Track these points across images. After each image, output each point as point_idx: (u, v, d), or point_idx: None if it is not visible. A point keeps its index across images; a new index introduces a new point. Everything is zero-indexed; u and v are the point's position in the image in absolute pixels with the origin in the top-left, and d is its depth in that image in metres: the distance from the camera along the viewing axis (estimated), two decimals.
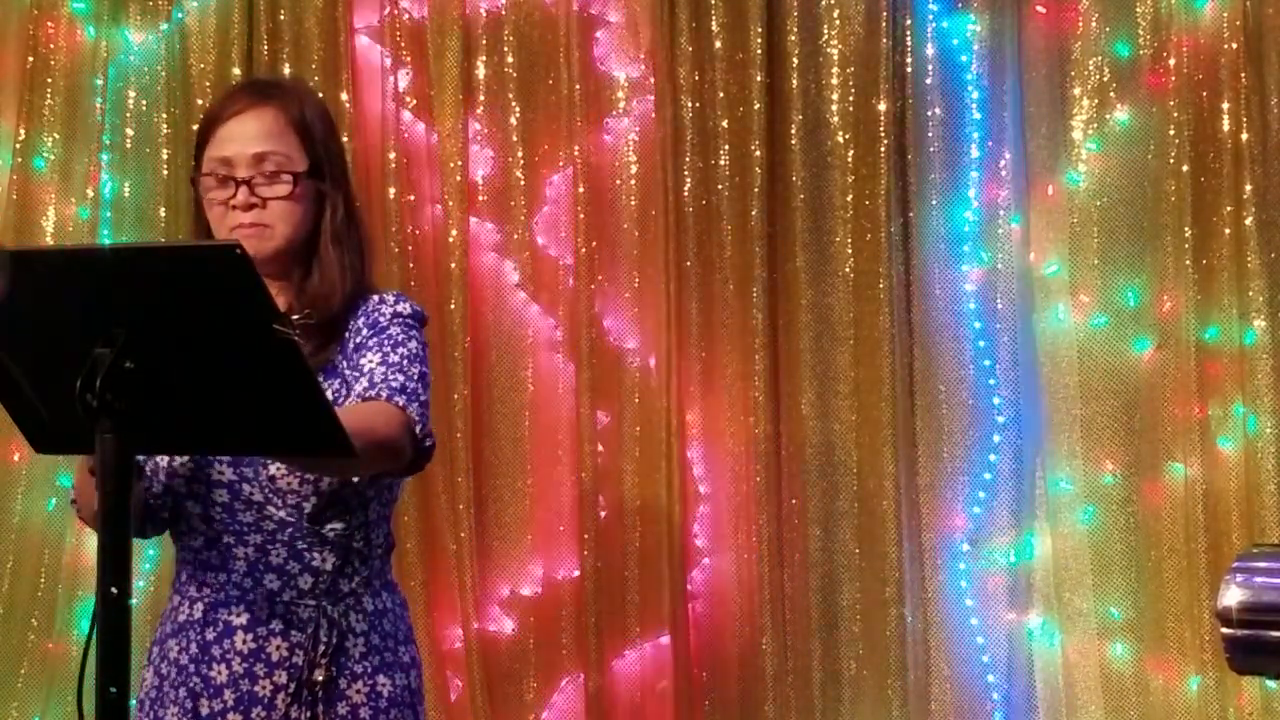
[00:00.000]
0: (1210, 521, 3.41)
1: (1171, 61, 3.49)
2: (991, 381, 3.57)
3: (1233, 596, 1.79)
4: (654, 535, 3.62)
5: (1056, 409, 3.55)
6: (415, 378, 2.27)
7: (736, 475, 3.63)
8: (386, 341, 2.29)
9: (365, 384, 2.24)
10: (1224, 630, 1.80)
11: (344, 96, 3.68)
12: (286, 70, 3.71)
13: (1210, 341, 3.46)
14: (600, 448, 3.66)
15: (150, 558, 3.68)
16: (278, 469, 2.25)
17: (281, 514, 2.27)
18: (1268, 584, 1.80)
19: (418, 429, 2.23)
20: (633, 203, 3.68)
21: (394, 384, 2.23)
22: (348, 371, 2.31)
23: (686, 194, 3.63)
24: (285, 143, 2.33)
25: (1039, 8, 3.57)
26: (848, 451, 3.60)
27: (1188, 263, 3.45)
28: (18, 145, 3.82)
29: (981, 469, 3.57)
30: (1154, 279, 3.51)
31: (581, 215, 3.65)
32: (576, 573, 3.64)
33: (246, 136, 2.31)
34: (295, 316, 2.37)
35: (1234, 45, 3.45)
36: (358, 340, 2.32)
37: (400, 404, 2.21)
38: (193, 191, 2.38)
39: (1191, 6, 3.49)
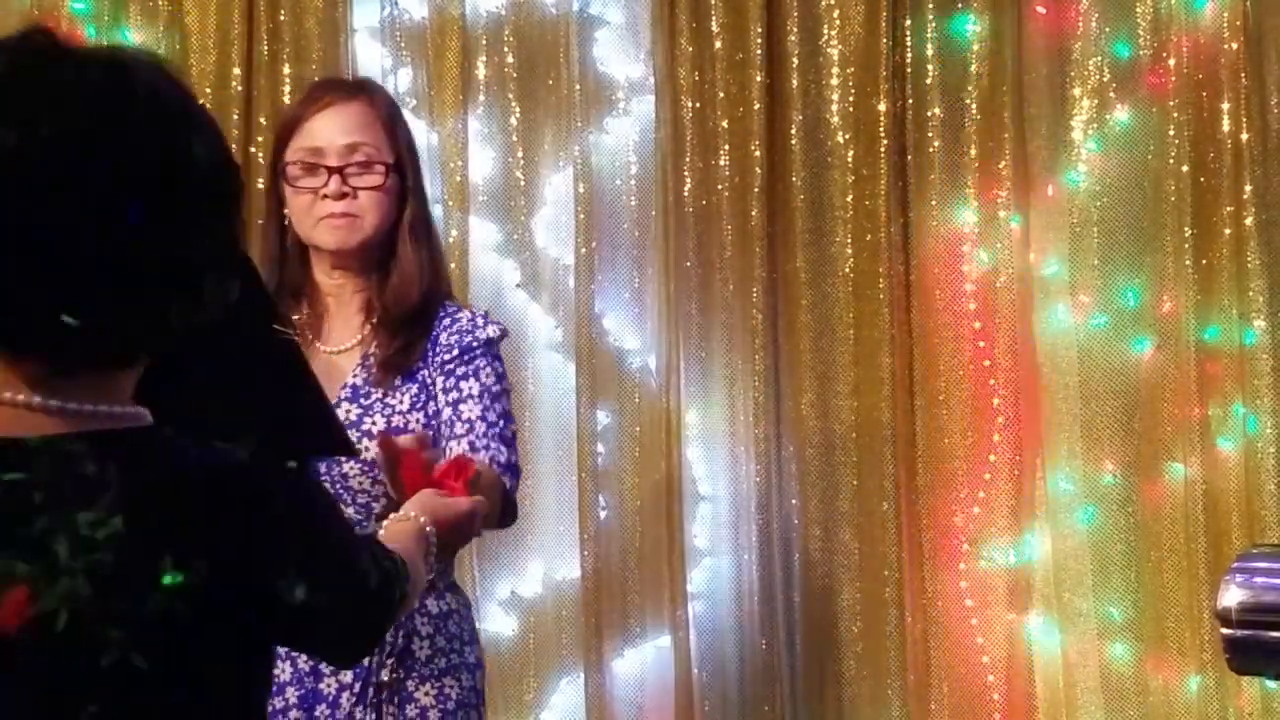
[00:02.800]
0: (1210, 522, 3.41)
1: (1171, 62, 3.49)
2: (991, 381, 3.57)
3: (1232, 597, 1.79)
4: (654, 535, 3.62)
5: (1056, 409, 3.55)
6: (511, 441, 2.37)
7: (736, 475, 3.63)
8: (486, 393, 2.36)
9: (465, 445, 2.32)
10: (1224, 630, 1.80)
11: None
12: (286, 70, 3.70)
13: (1210, 341, 3.46)
14: (600, 448, 3.66)
15: None
16: (350, 466, 2.29)
17: (350, 511, 2.29)
18: (1267, 584, 1.80)
19: (514, 506, 2.37)
20: (633, 203, 3.68)
21: (500, 457, 2.33)
22: (430, 382, 2.37)
23: (686, 194, 3.63)
24: (375, 134, 2.38)
25: (1039, 8, 3.57)
26: (848, 451, 3.59)
27: (1188, 263, 3.45)
28: None
29: (981, 469, 3.57)
30: (1154, 279, 3.51)
31: (581, 215, 3.64)
32: (576, 573, 3.64)
33: (337, 127, 2.36)
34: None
35: (1234, 45, 3.45)
36: (446, 357, 2.37)
37: (507, 483, 2.32)
38: (271, 186, 2.41)
39: (1191, 7, 3.49)
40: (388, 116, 2.41)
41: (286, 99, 3.69)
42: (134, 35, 3.83)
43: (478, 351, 2.38)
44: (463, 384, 2.36)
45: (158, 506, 1.26)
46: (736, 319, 3.62)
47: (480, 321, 2.42)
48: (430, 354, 2.38)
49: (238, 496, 1.29)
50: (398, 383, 2.37)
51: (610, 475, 3.66)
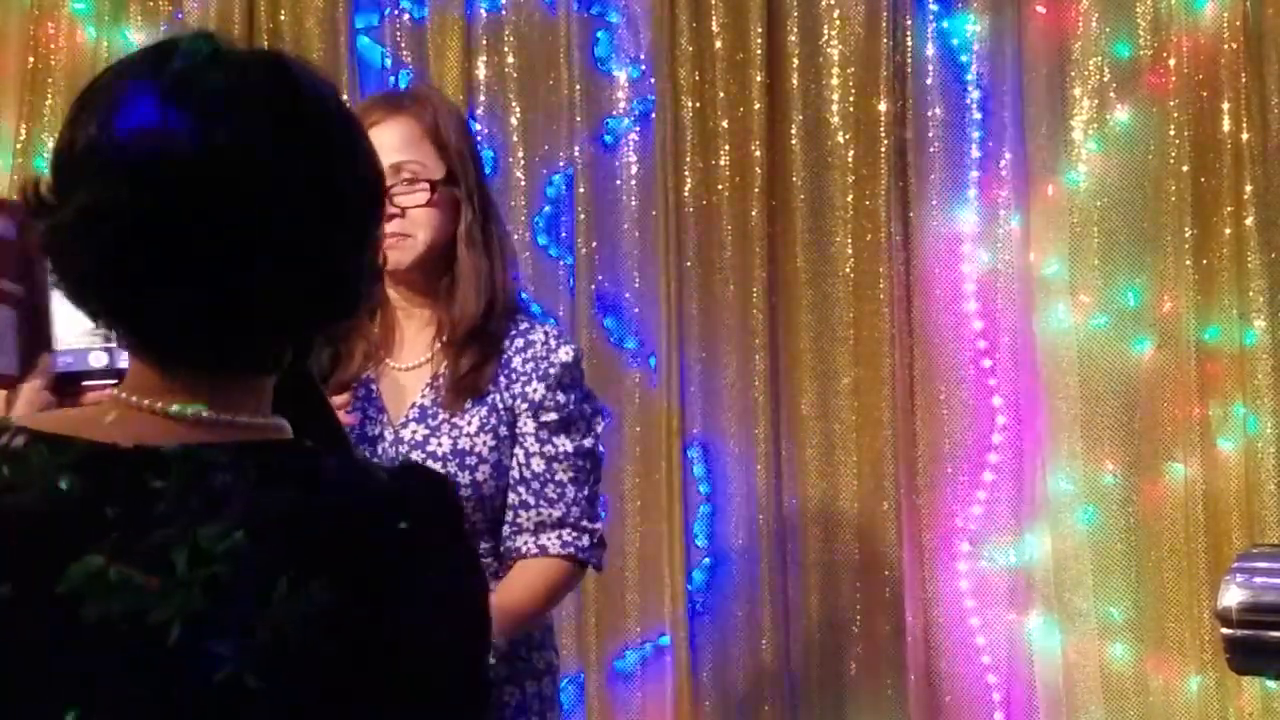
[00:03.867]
0: (1210, 522, 3.41)
1: (1172, 62, 3.49)
2: (991, 381, 3.57)
3: (1233, 597, 1.79)
4: (654, 535, 3.62)
5: (1056, 409, 3.55)
6: (597, 499, 2.45)
7: (736, 475, 3.63)
8: (579, 452, 2.41)
9: (561, 511, 2.38)
10: (1224, 630, 1.80)
11: (344, 96, 3.66)
12: None
13: (1210, 341, 3.46)
14: (601, 448, 3.65)
15: None
16: None
17: None
18: (1268, 584, 1.80)
19: (596, 568, 2.47)
20: (633, 203, 3.68)
21: (584, 539, 2.41)
22: (501, 406, 2.37)
23: (686, 194, 3.63)
24: (421, 151, 2.37)
25: (1039, 8, 3.57)
26: (848, 451, 3.59)
27: (1188, 263, 3.45)
28: (18, 146, 3.81)
29: (981, 469, 3.57)
30: (1154, 279, 3.51)
31: (581, 215, 3.64)
32: None
33: (382, 147, 2.31)
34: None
35: (1234, 45, 3.45)
36: (525, 390, 2.39)
37: (592, 563, 2.44)
38: None
39: (1191, 7, 3.49)
40: (434, 129, 2.38)
41: None
42: (133, 34, 3.83)
43: (559, 381, 2.39)
44: (555, 440, 2.38)
45: (282, 523, 1.22)
46: (736, 319, 3.62)
47: (554, 344, 2.40)
48: (503, 378, 2.37)
49: (368, 520, 1.24)
50: (467, 405, 2.36)
51: (610, 475, 3.65)
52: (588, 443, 2.42)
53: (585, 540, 2.39)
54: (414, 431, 2.37)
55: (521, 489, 2.36)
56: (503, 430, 2.36)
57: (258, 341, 1.27)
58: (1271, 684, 3.30)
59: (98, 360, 1.62)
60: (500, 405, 2.36)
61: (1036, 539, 3.56)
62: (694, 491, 3.65)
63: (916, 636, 3.55)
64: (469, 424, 2.36)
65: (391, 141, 2.35)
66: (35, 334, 1.65)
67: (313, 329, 1.31)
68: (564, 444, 2.38)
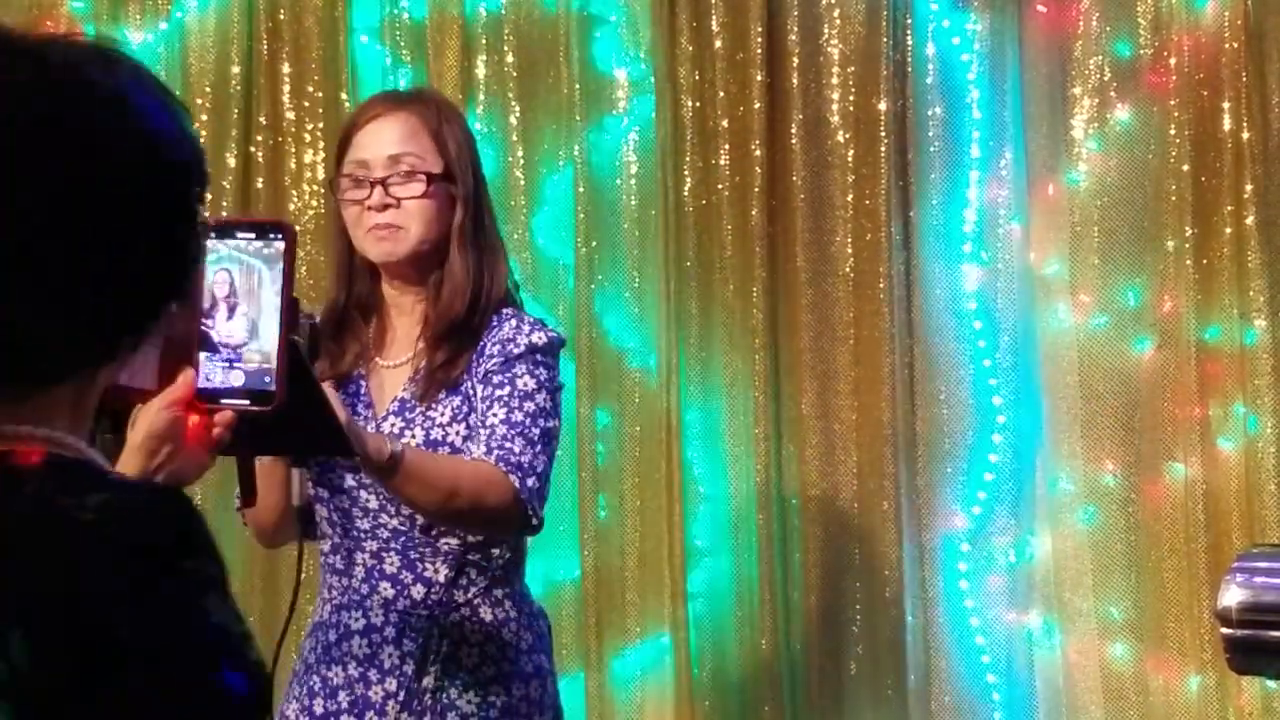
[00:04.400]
0: (1210, 521, 3.41)
1: (1172, 61, 3.49)
2: (991, 381, 3.57)
3: (1233, 596, 1.79)
4: (654, 535, 3.62)
5: (1056, 409, 3.55)
6: (537, 440, 2.28)
7: (736, 475, 3.63)
8: (516, 394, 2.30)
9: (483, 448, 2.27)
10: (1224, 630, 1.80)
11: (344, 96, 3.67)
12: (285, 69, 3.70)
13: (1211, 341, 3.46)
14: (600, 448, 3.66)
15: None
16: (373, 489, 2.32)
17: (395, 523, 2.32)
18: (1268, 584, 1.80)
19: (528, 509, 2.26)
20: (633, 203, 3.68)
21: (512, 456, 2.25)
22: (473, 393, 2.35)
23: (686, 194, 3.62)
24: (420, 144, 2.39)
25: (1040, 7, 3.57)
26: (848, 452, 3.59)
27: (1188, 262, 3.45)
28: None
29: (981, 469, 3.57)
30: (1154, 279, 3.51)
31: (581, 215, 3.64)
32: (576, 573, 3.64)
33: (382, 139, 2.38)
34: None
35: (1235, 44, 3.45)
36: (488, 366, 2.34)
37: (515, 482, 2.24)
38: (333, 200, 2.46)
39: (1192, 6, 3.49)
40: (436, 125, 2.40)
41: (286, 98, 3.70)
42: (133, 34, 3.82)
43: (518, 357, 2.34)
44: (497, 391, 2.32)
45: None
46: (736, 319, 3.62)
47: (527, 328, 2.38)
48: (475, 364, 2.36)
49: (70, 547, 1.07)
50: (441, 396, 2.35)
51: (610, 475, 3.66)
52: (540, 398, 2.32)
53: (512, 458, 2.25)
54: (392, 425, 2.37)
55: (471, 445, 2.32)
56: (474, 419, 2.35)
57: (18, 352, 1.14)
58: (1271, 684, 3.30)
59: (237, 379, 1.60)
60: (471, 392, 2.36)
61: (1037, 539, 3.56)
62: (694, 491, 3.65)
63: (916, 636, 3.55)
64: (441, 415, 2.35)
65: (392, 134, 2.38)
66: (177, 349, 1.63)
67: (100, 337, 1.18)
68: (502, 393, 2.31)
